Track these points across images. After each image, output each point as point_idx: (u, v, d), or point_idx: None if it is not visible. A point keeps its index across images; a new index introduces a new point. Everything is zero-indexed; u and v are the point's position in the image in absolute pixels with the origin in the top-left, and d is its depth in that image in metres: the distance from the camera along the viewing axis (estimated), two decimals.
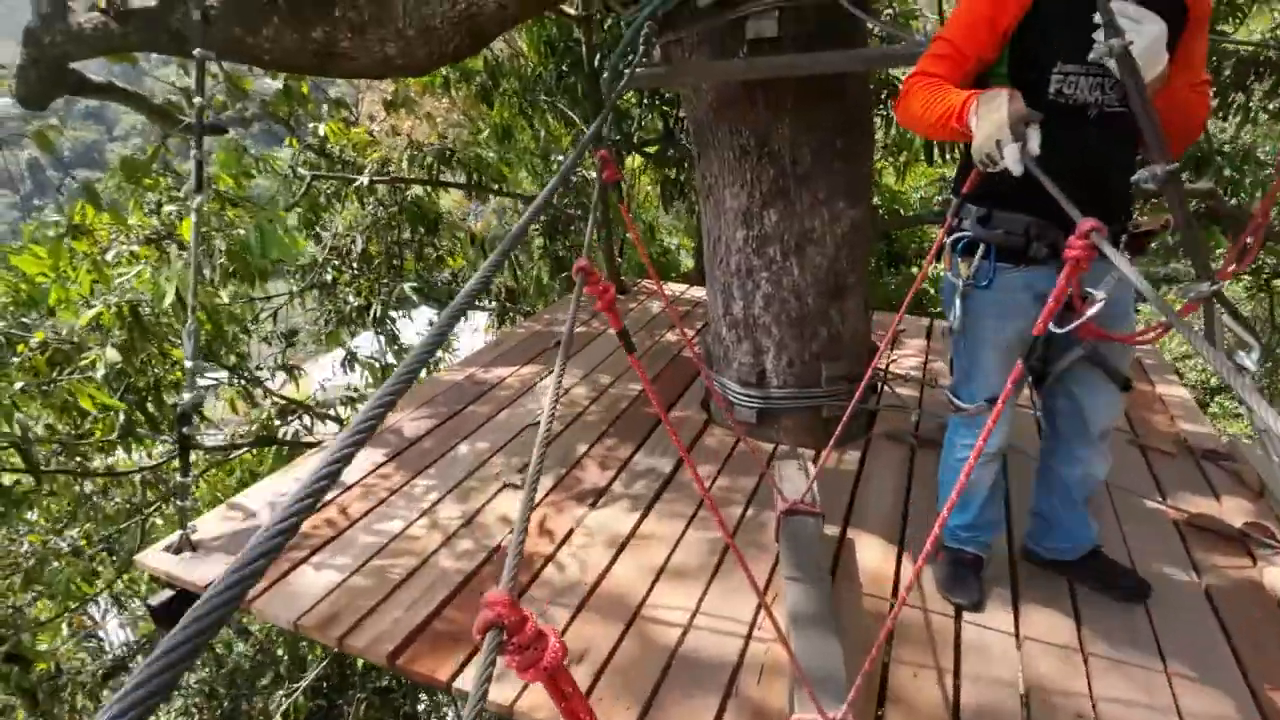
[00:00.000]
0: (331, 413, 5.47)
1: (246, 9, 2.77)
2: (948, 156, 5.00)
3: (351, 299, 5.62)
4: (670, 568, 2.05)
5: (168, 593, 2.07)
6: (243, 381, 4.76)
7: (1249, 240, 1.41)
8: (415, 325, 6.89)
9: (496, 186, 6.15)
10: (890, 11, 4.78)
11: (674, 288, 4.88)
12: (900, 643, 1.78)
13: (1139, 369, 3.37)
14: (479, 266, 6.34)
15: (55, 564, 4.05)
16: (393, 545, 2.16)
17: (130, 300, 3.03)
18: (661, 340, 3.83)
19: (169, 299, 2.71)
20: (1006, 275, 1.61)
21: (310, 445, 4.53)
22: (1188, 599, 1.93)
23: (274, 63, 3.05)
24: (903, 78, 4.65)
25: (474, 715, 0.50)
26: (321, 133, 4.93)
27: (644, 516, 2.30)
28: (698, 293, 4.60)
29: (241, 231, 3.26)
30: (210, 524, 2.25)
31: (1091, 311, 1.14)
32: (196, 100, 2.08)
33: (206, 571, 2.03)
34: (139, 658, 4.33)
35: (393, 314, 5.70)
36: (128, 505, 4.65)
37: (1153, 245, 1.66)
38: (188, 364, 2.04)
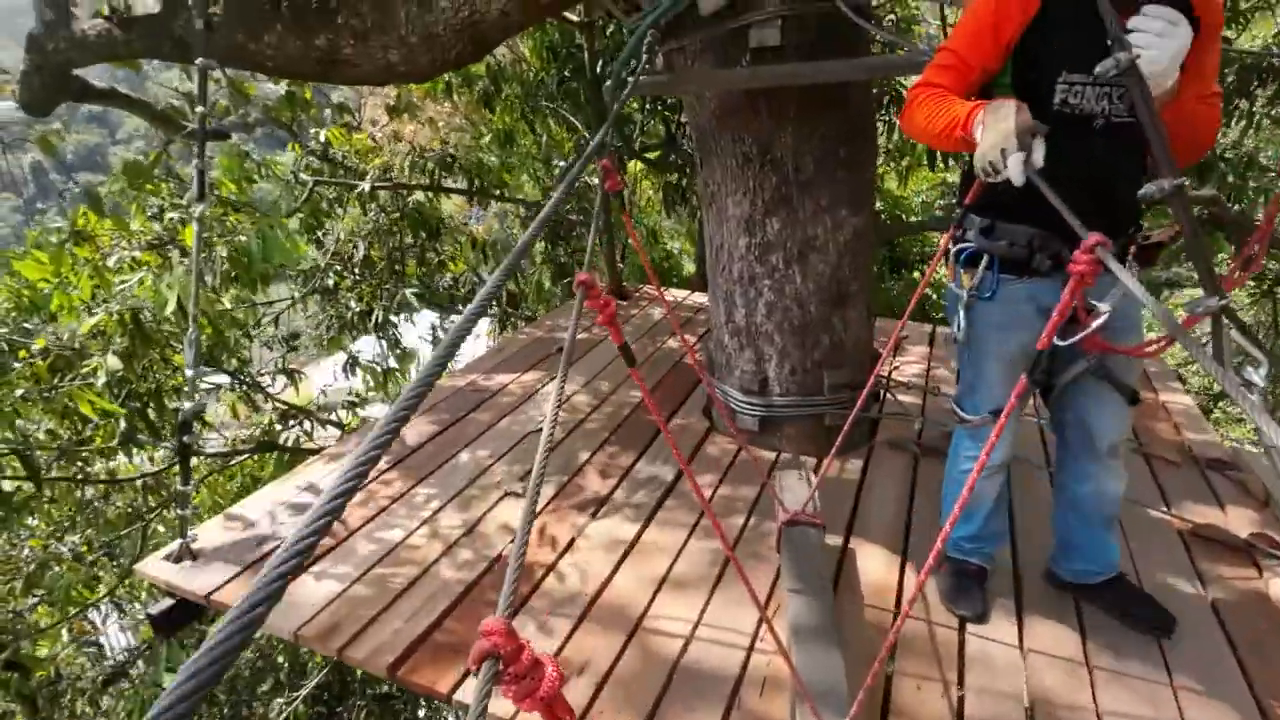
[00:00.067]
0: (333, 418, 5.46)
1: (249, 16, 2.78)
2: (950, 162, 5.01)
3: (353, 304, 5.62)
4: (672, 578, 2.04)
5: (168, 601, 2.07)
6: (244, 386, 4.76)
7: (1254, 248, 1.40)
8: (417, 329, 6.90)
9: (498, 192, 6.15)
10: (893, 17, 4.78)
11: (676, 294, 4.88)
12: (903, 655, 1.77)
13: (1142, 376, 3.36)
14: (480, 271, 6.36)
15: (56, 569, 4.05)
16: (393, 554, 2.15)
17: (131, 307, 3.03)
18: (663, 347, 3.82)
19: (170, 306, 2.71)
20: (1010, 287, 1.60)
21: (311, 451, 4.52)
22: (1193, 611, 1.91)
23: (277, 69, 3.05)
24: (905, 83, 4.65)
25: None
26: (323, 138, 4.93)
27: (645, 526, 2.29)
28: (700, 299, 4.59)
29: (243, 238, 3.26)
30: (210, 533, 2.25)
31: (1096, 324, 1.13)
32: (198, 110, 2.08)
33: (206, 581, 2.02)
34: (139, 663, 4.32)
35: (394, 319, 5.70)
36: (129, 510, 4.64)
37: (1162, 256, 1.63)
38: (188, 372, 2.04)
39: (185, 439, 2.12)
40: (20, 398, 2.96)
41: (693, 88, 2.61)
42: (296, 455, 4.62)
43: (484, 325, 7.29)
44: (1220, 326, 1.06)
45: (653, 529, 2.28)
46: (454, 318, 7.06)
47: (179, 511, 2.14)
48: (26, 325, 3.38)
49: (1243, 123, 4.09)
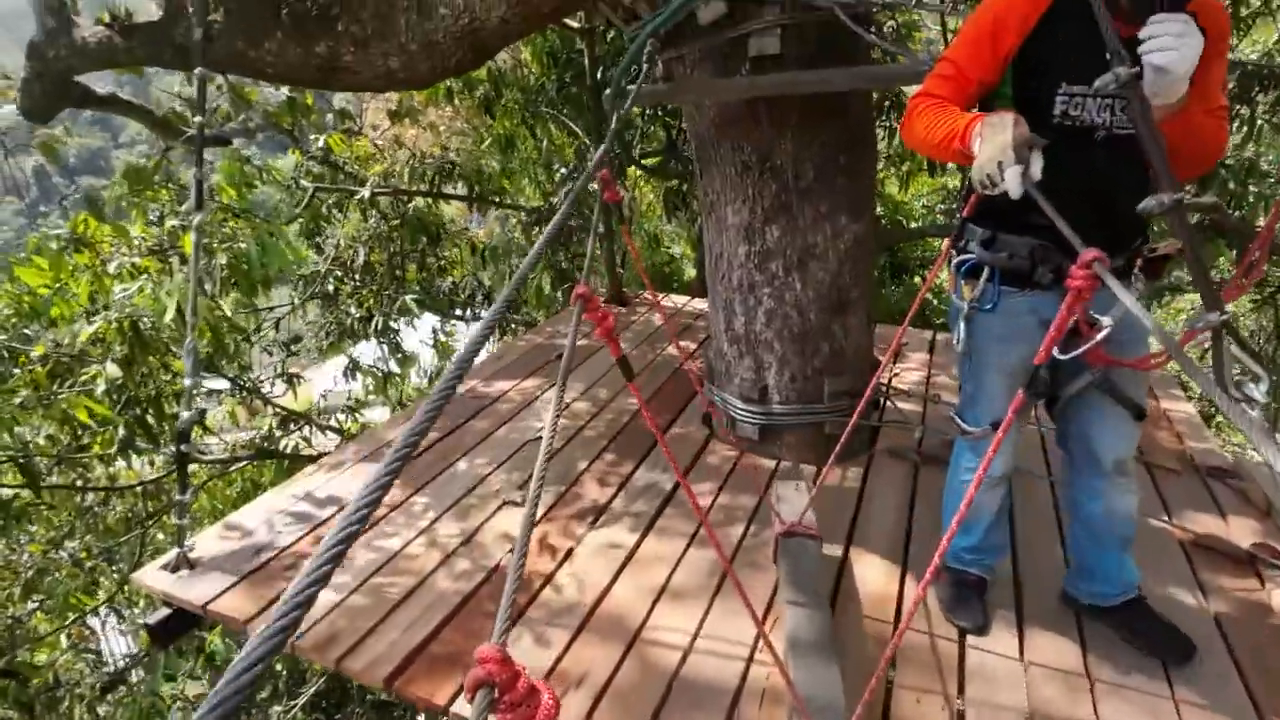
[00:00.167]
0: (332, 423, 5.46)
1: (250, 23, 2.78)
2: (950, 166, 5.00)
3: (353, 310, 5.62)
4: (671, 588, 2.04)
5: (165, 610, 2.06)
6: (244, 392, 4.76)
7: (1255, 255, 1.39)
8: (418, 333, 6.90)
9: (497, 198, 6.15)
10: (893, 24, 4.78)
11: (676, 299, 4.88)
12: (903, 667, 1.76)
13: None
14: (479, 275, 6.36)
15: (55, 575, 4.05)
16: (391, 564, 2.14)
17: (131, 315, 3.03)
18: (663, 353, 3.82)
19: (169, 315, 2.71)
20: (1011, 299, 1.60)
21: (310, 458, 4.52)
22: (1195, 622, 1.90)
23: (277, 76, 3.06)
24: (906, 89, 4.65)
25: None
26: (323, 144, 4.94)
27: (644, 535, 2.28)
28: (700, 304, 4.59)
29: (243, 245, 3.26)
30: (208, 542, 2.24)
31: (1098, 338, 1.12)
32: (196, 119, 2.08)
33: (203, 590, 2.02)
34: (138, 670, 4.31)
35: (394, 324, 5.70)
36: (128, 515, 4.64)
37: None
38: (186, 382, 2.04)
39: (183, 448, 2.12)
40: (19, 405, 2.96)
41: (692, 97, 2.61)
42: (296, 462, 4.62)
43: (481, 322, 7.27)
44: (1220, 343, 1.06)
45: (651, 538, 2.27)
46: (455, 322, 7.07)
47: (177, 520, 2.13)
48: (26, 331, 3.39)
49: (1244, 129, 4.08)
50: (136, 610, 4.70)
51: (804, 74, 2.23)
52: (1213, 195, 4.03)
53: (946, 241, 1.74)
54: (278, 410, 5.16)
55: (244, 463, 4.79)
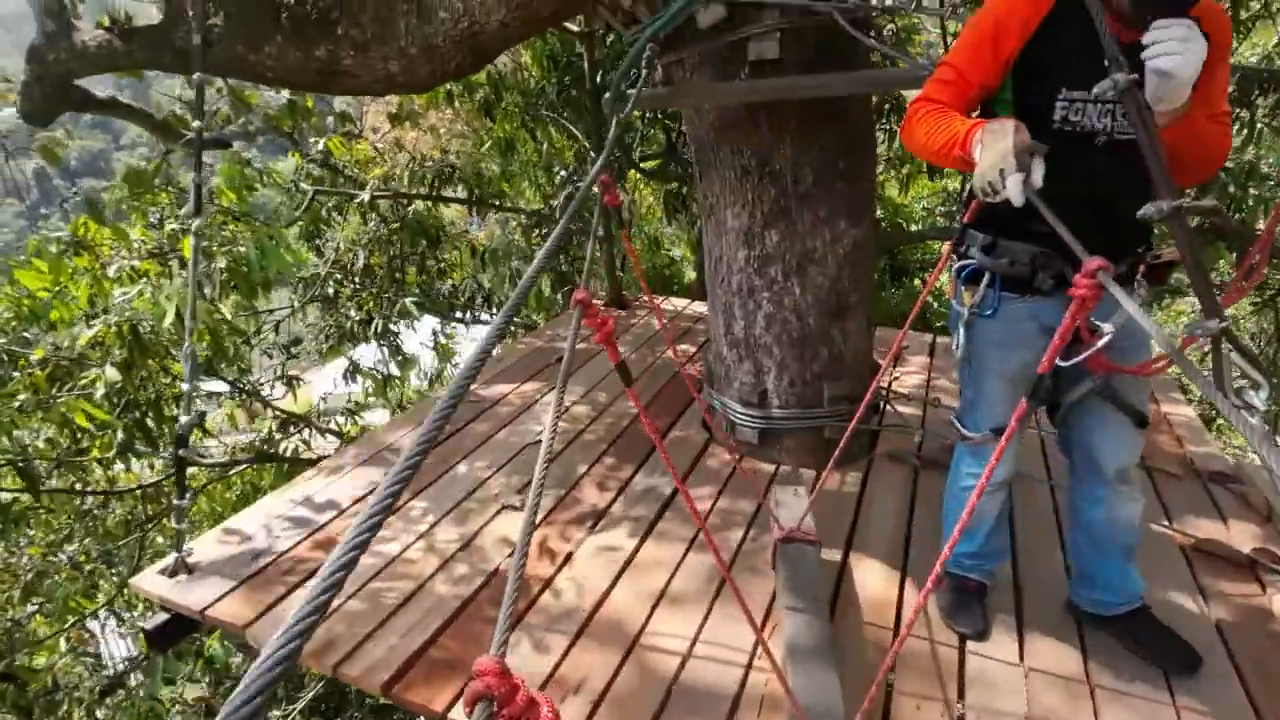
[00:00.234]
0: (332, 426, 5.45)
1: (250, 27, 2.78)
2: (950, 169, 4.99)
3: (353, 313, 5.62)
4: (670, 593, 2.03)
5: (162, 616, 2.05)
6: (243, 395, 4.76)
7: (1255, 258, 1.39)
8: (418, 335, 6.89)
9: (497, 202, 6.16)
10: (892, 27, 4.78)
11: (676, 302, 4.87)
12: (903, 673, 1.76)
13: None
14: (479, 277, 6.35)
15: (55, 578, 4.04)
16: (389, 569, 2.14)
17: (130, 319, 3.03)
18: (663, 356, 3.81)
19: (169, 319, 2.71)
20: (1011, 305, 1.59)
21: (310, 462, 4.51)
22: (1196, 628, 1.89)
23: (277, 80, 3.06)
24: (906, 93, 4.64)
25: None
26: (322, 147, 4.94)
27: (644, 539, 2.28)
28: (700, 307, 4.59)
29: (243, 248, 3.26)
30: (206, 546, 2.24)
31: (1099, 345, 1.11)
32: (195, 124, 2.07)
33: (201, 596, 2.01)
34: (137, 674, 4.30)
35: (393, 327, 5.70)
36: (128, 517, 4.64)
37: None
38: (184, 386, 2.03)
39: (181, 452, 2.11)
40: (18, 409, 2.96)
41: (692, 101, 2.61)
42: (295, 465, 4.62)
43: (484, 332, 7.28)
44: (1220, 350, 1.05)
45: (651, 543, 2.26)
46: (455, 325, 7.06)
47: (175, 525, 2.13)
48: (26, 335, 3.39)
49: (1244, 132, 4.08)
50: (136, 613, 4.70)
51: (803, 79, 2.23)
52: (1213, 198, 4.03)
53: (947, 246, 1.73)
54: (277, 413, 5.16)
55: (243, 466, 4.78)
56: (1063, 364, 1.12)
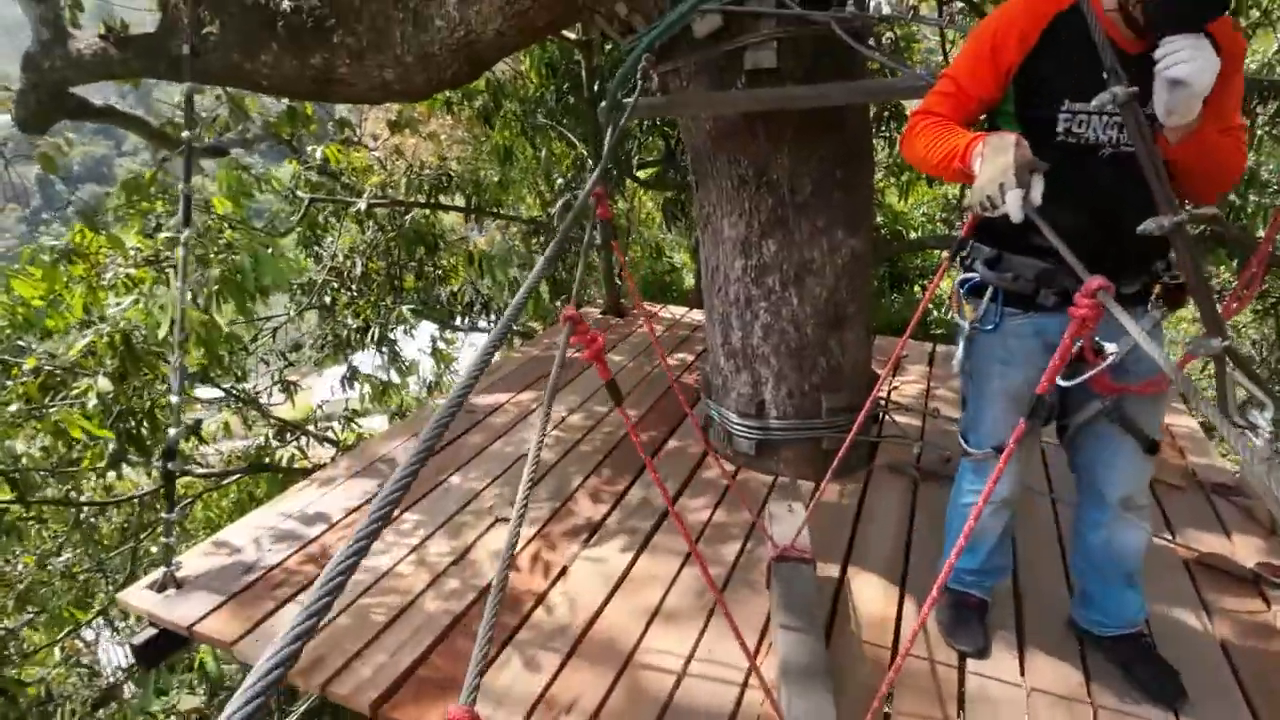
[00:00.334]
0: (329, 434, 5.43)
1: (245, 36, 2.77)
2: None
3: (350, 321, 5.60)
4: (664, 610, 2.00)
5: (151, 631, 2.02)
6: (239, 402, 4.73)
7: (1254, 269, 1.37)
8: (417, 342, 6.87)
9: (495, 209, 6.14)
10: (891, 36, 4.77)
11: (675, 310, 4.85)
12: (901, 692, 1.72)
13: None
14: (477, 284, 6.33)
15: (51, 585, 4.01)
16: (379, 584, 2.10)
17: (123, 329, 3.00)
18: (661, 365, 3.79)
19: (164, 330, 2.69)
20: (1014, 321, 1.56)
21: (304, 472, 4.48)
22: (1199, 645, 1.86)
23: (272, 89, 3.05)
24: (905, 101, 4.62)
25: None
26: (320, 156, 4.93)
27: (638, 554, 2.24)
28: (699, 316, 4.56)
29: (237, 257, 3.24)
30: (195, 560, 2.21)
31: (1102, 366, 1.09)
32: (184, 134, 2.06)
33: (189, 611, 1.98)
34: (130, 685, 4.26)
35: (391, 334, 5.68)
36: (124, 526, 4.61)
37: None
38: (173, 399, 2.01)
39: (169, 465, 2.09)
40: (9, 420, 2.94)
41: (688, 110, 2.59)
42: (290, 475, 4.59)
43: (482, 340, 7.27)
44: (1224, 369, 1.03)
45: (646, 557, 2.23)
46: (453, 332, 7.04)
47: (164, 538, 2.10)
48: (20, 343, 3.37)
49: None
50: (130, 622, 4.66)
51: (800, 88, 2.21)
52: (1212, 206, 4.01)
53: (946, 255, 1.70)
54: (273, 421, 5.13)
55: (237, 476, 4.75)
56: (1065, 384, 1.10)
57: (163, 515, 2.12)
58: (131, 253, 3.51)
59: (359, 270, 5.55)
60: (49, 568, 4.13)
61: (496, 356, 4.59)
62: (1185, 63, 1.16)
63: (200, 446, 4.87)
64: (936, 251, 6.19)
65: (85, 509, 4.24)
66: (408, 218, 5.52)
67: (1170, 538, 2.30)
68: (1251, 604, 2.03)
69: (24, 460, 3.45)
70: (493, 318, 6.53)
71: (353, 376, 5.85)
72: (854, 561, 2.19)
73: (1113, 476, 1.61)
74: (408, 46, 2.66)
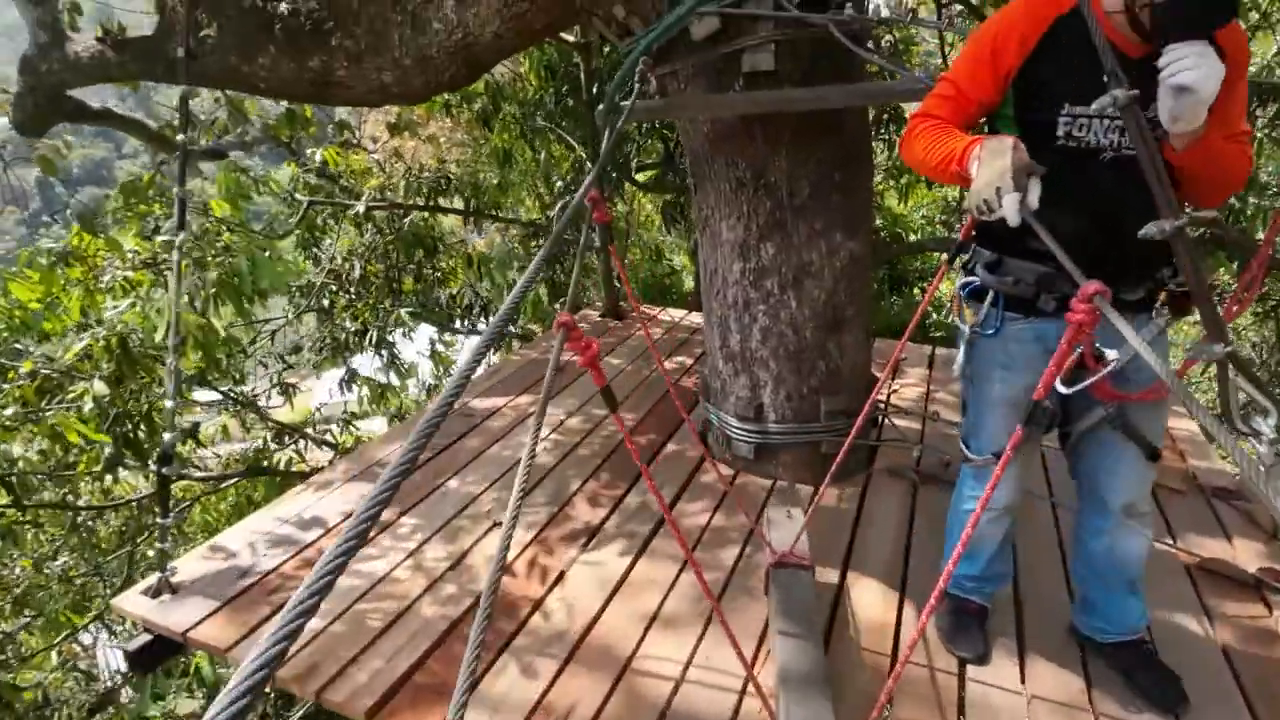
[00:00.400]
0: (328, 437, 5.41)
1: (243, 38, 2.76)
2: None
3: (349, 323, 5.59)
4: (662, 615, 1.98)
5: (145, 637, 2.01)
6: (237, 405, 4.72)
7: (1254, 272, 1.36)
8: (415, 344, 6.86)
9: (494, 212, 6.14)
10: (891, 38, 4.77)
11: (675, 313, 4.84)
12: (900, 699, 1.71)
13: None
14: (476, 287, 6.33)
15: (49, 588, 4.00)
16: (375, 590, 2.09)
17: (119, 333, 2.99)
18: (659, 369, 3.77)
19: (160, 334, 2.68)
20: (1014, 325, 1.55)
21: (302, 475, 4.47)
22: (1201, 651, 1.85)
23: (270, 91, 3.04)
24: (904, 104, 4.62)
25: None
26: (319, 159, 4.93)
27: (637, 559, 2.23)
28: (698, 318, 4.55)
29: (235, 259, 3.23)
30: (190, 565, 2.19)
31: (1103, 373, 1.07)
32: (179, 137, 2.05)
33: (184, 617, 1.97)
34: (127, 689, 4.24)
35: (389, 337, 5.67)
36: (121, 530, 4.59)
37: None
38: (168, 404, 2.00)
39: (164, 471, 2.08)
40: (6, 424, 2.92)
41: (686, 112, 2.58)
42: (288, 478, 4.57)
43: (476, 343, 7.25)
44: (1226, 375, 1.02)
45: (644, 562, 2.22)
46: (452, 335, 7.03)
47: (159, 544, 2.09)
48: (17, 346, 3.36)
49: None
50: (127, 626, 4.64)
51: (798, 91, 2.20)
52: (1212, 209, 4.00)
53: (945, 258, 1.70)
54: (271, 424, 5.12)
55: (235, 479, 4.74)
56: (1065, 390, 1.09)
57: (158, 520, 2.10)
58: (129, 255, 3.50)
59: (358, 273, 5.54)
60: (46, 572, 4.11)
61: (495, 359, 4.58)
62: (1191, 69, 1.15)
63: (198, 449, 4.86)
64: (936, 254, 6.18)
65: (82, 513, 4.23)
66: (406, 220, 5.51)
67: (1171, 542, 2.28)
68: (1253, 609, 2.01)
69: (21, 464, 3.43)
70: (491, 320, 6.51)
71: (351, 379, 5.84)
72: (853, 567, 2.18)
73: (1115, 484, 1.60)
74: (406, 49, 2.65)
